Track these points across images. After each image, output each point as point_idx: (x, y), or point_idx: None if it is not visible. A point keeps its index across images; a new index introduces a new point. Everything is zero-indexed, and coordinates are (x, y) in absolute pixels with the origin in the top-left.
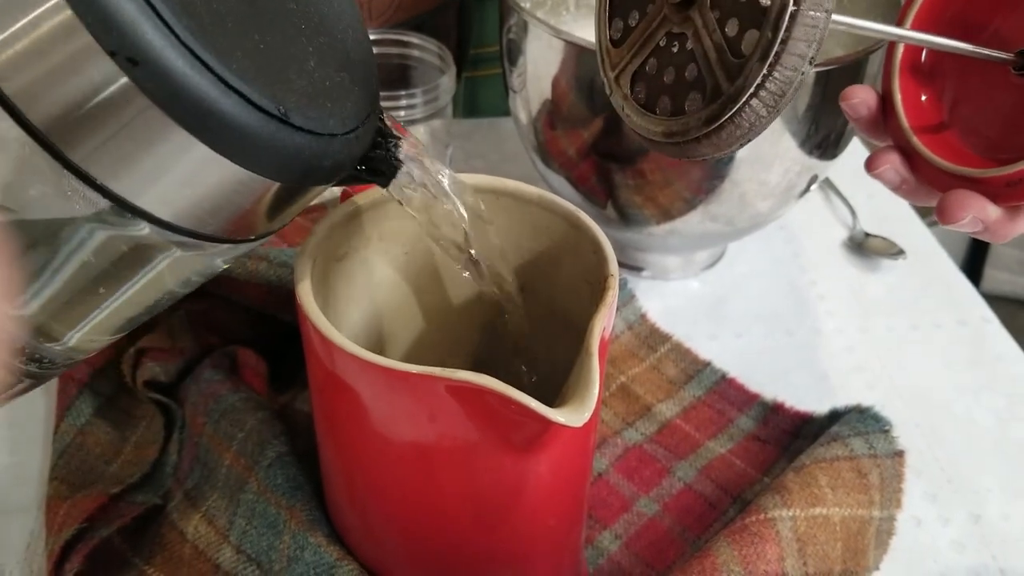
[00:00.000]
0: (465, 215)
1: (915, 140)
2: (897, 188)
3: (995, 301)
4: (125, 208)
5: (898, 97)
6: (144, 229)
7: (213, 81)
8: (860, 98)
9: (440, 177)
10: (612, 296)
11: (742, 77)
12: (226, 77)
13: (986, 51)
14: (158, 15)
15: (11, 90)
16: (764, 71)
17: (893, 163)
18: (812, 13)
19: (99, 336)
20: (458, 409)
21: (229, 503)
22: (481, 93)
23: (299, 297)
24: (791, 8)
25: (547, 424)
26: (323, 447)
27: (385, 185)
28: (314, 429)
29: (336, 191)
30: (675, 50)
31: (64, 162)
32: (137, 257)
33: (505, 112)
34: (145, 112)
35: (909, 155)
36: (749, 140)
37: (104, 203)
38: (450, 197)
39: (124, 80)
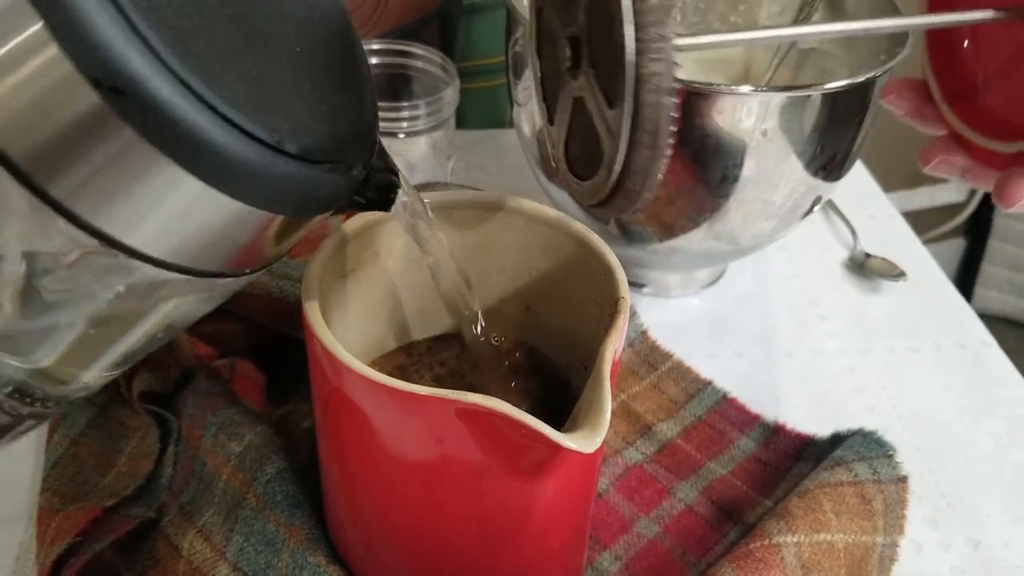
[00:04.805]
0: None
1: (956, 122)
2: (962, 177)
3: (985, 320)
4: (114, 247)
5: (934, 83)
6: (137, 267)
7: (202, 109)
8: (894, 93)
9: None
10: (623, 319)
11: (616, 126)
12: (217, 105)
13: (969, 15)
14: (144, 40)
15: None
16: (630, 112)
17: (944, 153)
18: (657, 45)
19: (107, 372)
20: (466, 432)
21: (226, 519)
22: (468, 106)
23: (307, 315)
24: (634, 45)
25: (557, 449)
26: (325, 464)
27: (384, 209)
28: (314, 445)
29: None
30: (580, 114)
31: (48, 200)
32: (136, 295)
33: (492, 125)
34: (132, 145)
35: (961, 140)
36: (654, 180)
37: (91, 242)
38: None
39: (108, 111)
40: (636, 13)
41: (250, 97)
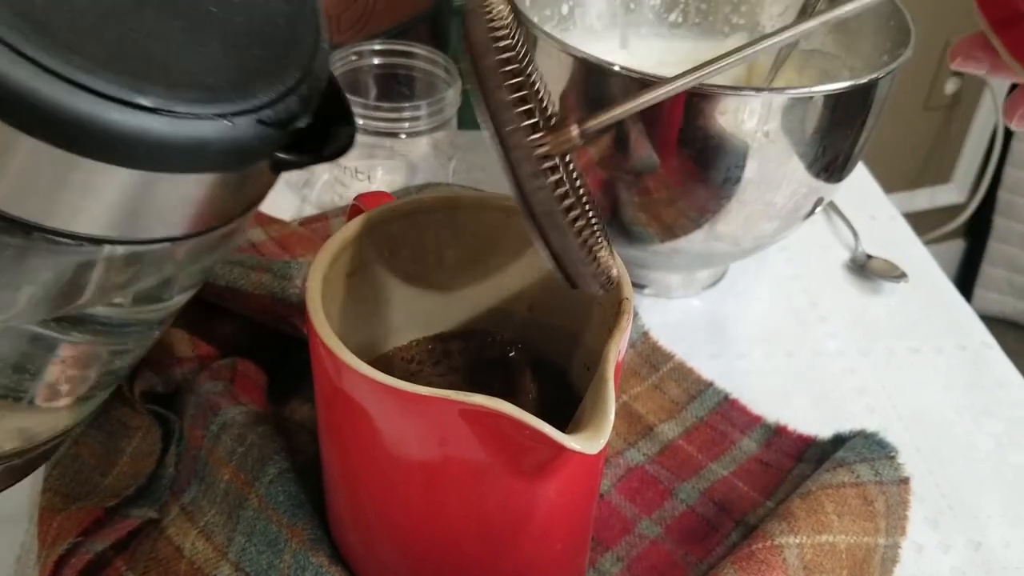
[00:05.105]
0: None
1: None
2: (989, 72)
3: (985, 322)
4: (38, 231)
5: (980, 17)
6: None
7: (44, 77)
8: (961, 56)
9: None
10: (627, 320)
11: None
12: (59, 70)
13: None
14: None
15: None
16: (521, 204)
17: (968, 49)
18: (510, 133)
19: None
20: (469, 432)
21: (228, 519)
22: (462, 108)
23: (310, 315)
24: (499, 147)
25: (560, 450)
26: (327, 465)
27: (329, 159)
28: (316, 445)
29: (344, 204)
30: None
31: None
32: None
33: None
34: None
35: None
36: (582, 260)
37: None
38: None
39: None
40: (490, 114)
41: (116, 61)
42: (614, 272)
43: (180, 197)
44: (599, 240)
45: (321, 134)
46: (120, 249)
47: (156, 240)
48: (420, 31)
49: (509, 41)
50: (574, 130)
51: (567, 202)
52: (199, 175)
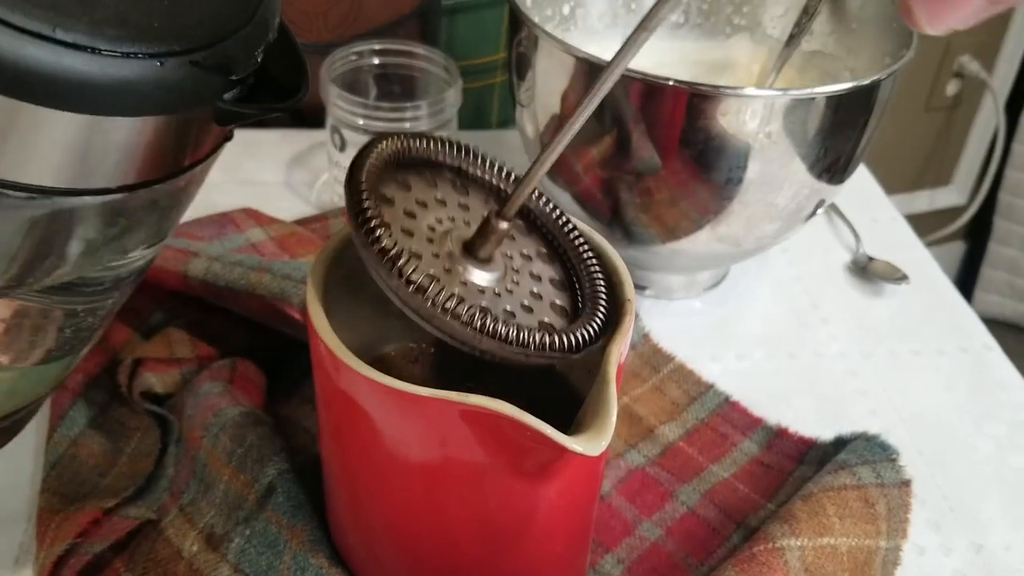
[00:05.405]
0: None
1: None
2: None
3: (985, 324)
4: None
5: None
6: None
7: None
8: None
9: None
10: (629, 322)
11: None
12: None
13: None
14: None
15: None
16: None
17: None
18: (394, 287)
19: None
20: (470, 433)
21: (227, 520)
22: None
23: (310, 315)
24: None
25: (562, 451)
26: (327, 465)
27: (277, 112)
28: (315, 446)
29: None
30: None
31: None
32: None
33: (477, 126)
34: None
35: None
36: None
37: None
38: None
39: None
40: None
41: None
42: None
43: (118, 143)
44: (534, 336)
45: (275, 88)
46: (68, 202)
47: (99, 191)
48: (409, 28)
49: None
50: (500, 223)
51: (481, 322)
52: (133, 119)
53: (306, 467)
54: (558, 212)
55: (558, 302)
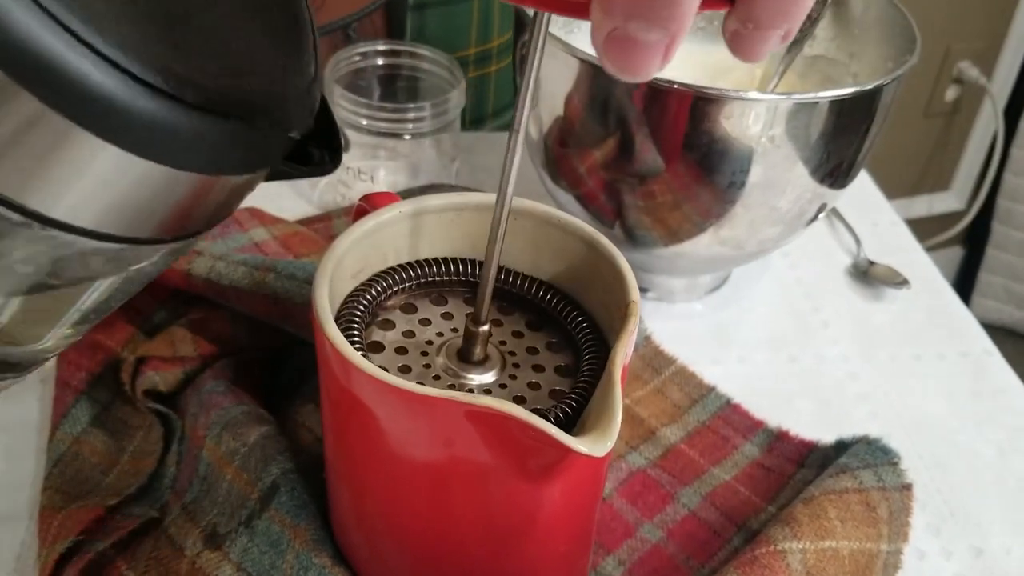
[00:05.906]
0: None
1: None
2: None
3: (984, 329)
4: (42, 222)
5: None
6: (70, 240)
7: (78, 49)
8: None
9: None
10: (634, 323)
11: None
12: (99, 48)
13: None
14: None
15: None
16: None
17: None
18: None
19: (71, 331)
20: (475, 433)
21: (230, 519)
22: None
23: (317, 315)
24: None
25: (566, 452)
26: (332, 465)
27: (323, 174)
28: (319, 445)
29: (346, 204)
30: None
31: None
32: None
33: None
34: (13, 97)
35: None
36: None
37: (16, 217)
38: None
39: None
40: None
41: (153, 47)
42: None
43: (185, 195)
44: None
45: (303, 148)
46: (110, 248)
47: (152, 240)
48: (375, 21)
49: None
50: (478, 329)
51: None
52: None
53: (309, 466)
54: (536, 286)
55: (561, 364)
